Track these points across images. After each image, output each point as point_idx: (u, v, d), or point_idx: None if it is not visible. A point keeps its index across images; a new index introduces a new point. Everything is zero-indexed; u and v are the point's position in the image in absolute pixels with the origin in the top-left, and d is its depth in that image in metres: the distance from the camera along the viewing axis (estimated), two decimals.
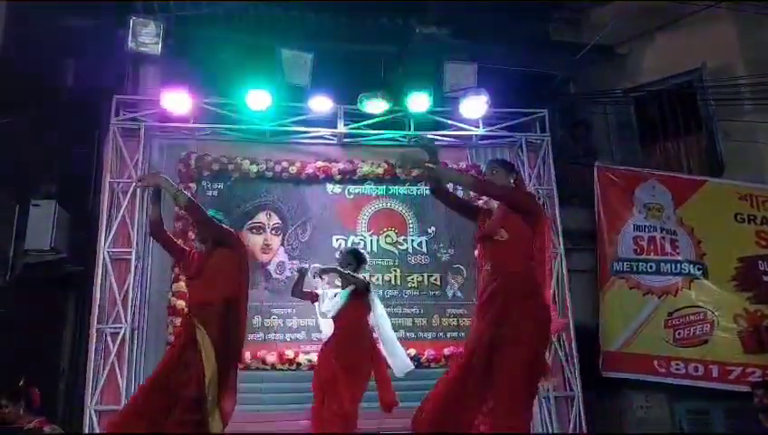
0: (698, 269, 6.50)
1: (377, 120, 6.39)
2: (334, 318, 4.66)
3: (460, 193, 5.32)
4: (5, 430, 4.62)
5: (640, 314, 6.46)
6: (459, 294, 6.17)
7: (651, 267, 6.56)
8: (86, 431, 5.26)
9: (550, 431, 5.93)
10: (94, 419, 5.31)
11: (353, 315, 4.64)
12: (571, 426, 5.94)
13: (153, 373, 3.84)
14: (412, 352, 5.82)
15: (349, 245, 6.23)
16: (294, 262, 6.09)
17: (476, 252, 3.82)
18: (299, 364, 5.73)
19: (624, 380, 6.49)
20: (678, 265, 6.54)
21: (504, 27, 6.97)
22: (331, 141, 6.51)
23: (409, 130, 6.52)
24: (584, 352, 6.20)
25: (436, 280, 6.22)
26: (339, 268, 4.73)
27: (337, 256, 5.03)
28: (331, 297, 4.75)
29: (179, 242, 5.75)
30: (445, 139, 6.62)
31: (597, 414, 6.34)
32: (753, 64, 6.91)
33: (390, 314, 5.92)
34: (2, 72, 6.27)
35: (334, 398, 4.42)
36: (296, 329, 5.86)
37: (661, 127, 7.54)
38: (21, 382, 4.76)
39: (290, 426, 5.50)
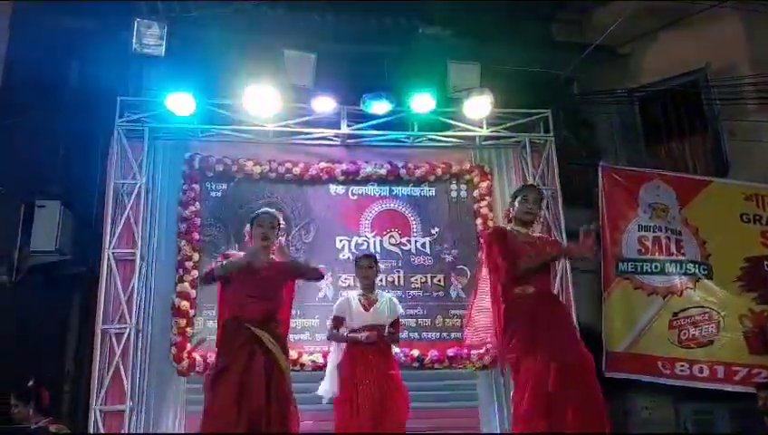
0: (703, 269, 6.47)
1: (380, 120, 6.38)
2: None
3: None
4: (13, 430, 4.65)
5: (645, 315, 6.44)
6: (463, 294, 6.15)
7: (656, 268, 6.54)
8: (91, 431, 5.29)
9: None
10: (99, 419, 5.33)
11: None
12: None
13: None
14: (416, 352, 5.84)
15: (352, 246, 6.24)
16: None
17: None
18: (302, 365, 5.73)
19: (629, 381, 6.46)
20: (683, 265, 6.51)
21: (507, 27, 6.97)
22: (335, 142, 6.51)
23: (413, 130, 6.52)
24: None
25: (439, 281, 6.22)
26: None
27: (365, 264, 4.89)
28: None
29: (184, 244, 5.84)
30: (448, 139, 6.62)
31: None
32: (758, 64, 6.89)
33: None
34: (7, 73, 6.31)
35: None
36: (300, 330, 5.85)
37: (665, 127, 7.52)
38: (31, 383, 4.80)
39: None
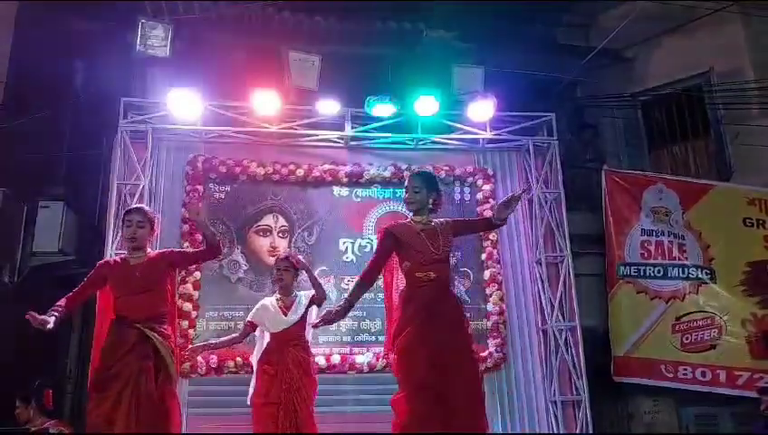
0: (706, 274, 6.48)
1: (384, 123, 6.39)
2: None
3: None
4: (15, 431, 4.64)
5: (648, 319, 6.45)
6: (466, 297, 6.14)
7: (659, 272, 6.54)
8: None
9: None
10: None
11: None
12: (578, 431, 5.92)
13: None
14: None
15: (355, 248, 6.24)
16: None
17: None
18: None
19: (631, 385, 6.46)
20: (686, 269, 6.52)
21: (511, 31, 6.96)
22: (339, 144, 6.51)
23: (417, 133, 6.52)
24: (591, 357, 6.18)
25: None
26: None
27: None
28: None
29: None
30: (452, 142, 6.63)
31: (604, 419, 6.33)
32: (762, 68, 6.90)
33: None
34: (12, 74, 6.31)
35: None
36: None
37: (669, 131, 7.52)
38: (36, 384, 4.79)
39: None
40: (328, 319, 3.56)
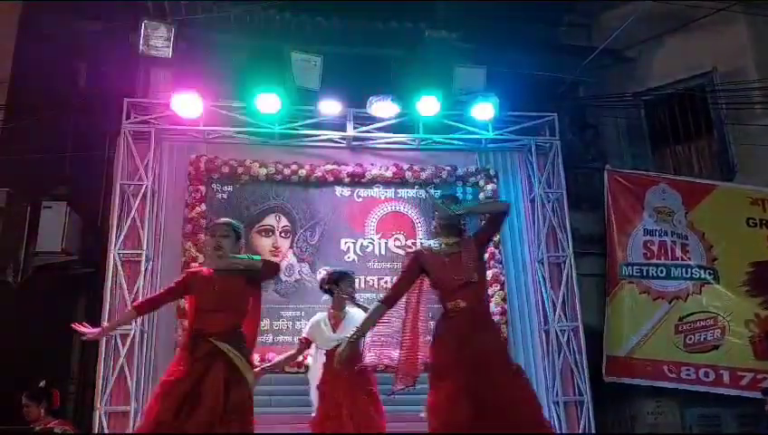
0: (709, 274, 6.46)
1: (386, 123, 6.40)
2: None
3: None
4: (19, 430, 4.65)
5: (651, 319, 6.43)
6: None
7: (662, 272, 6.53)
8: (96, 432, 5.29)
9: None
10: (104, 420, 5.36)
11: None
12: (581, 431, 5.91)
13: None
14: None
15: (357, 248, 6.24)
16: (303, 265, 6.12)
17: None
18: (307, 367, 5.71)
19: (635, 386, 6.44)
20: (689, 269, 6.50)
21: (513, 31, 6.96)
22: (341, 144, 6.52)
23: (419, 133, 6.53)
24: (595, 357, 6.17)
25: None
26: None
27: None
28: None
29: (189, 245, 5.84)
30: (454, 142, 6.62)
31: (607, 420, 6.31)
32: (765, 68, 6.88)
33: (399, 317, 5.94)
34: (15, 74, 6.34)
35: None
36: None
37: (672, 131, 7.50)
38: (42, 383, 4.80)
39: (298, 428, 5.50)
40: (341, 357, 3.58)
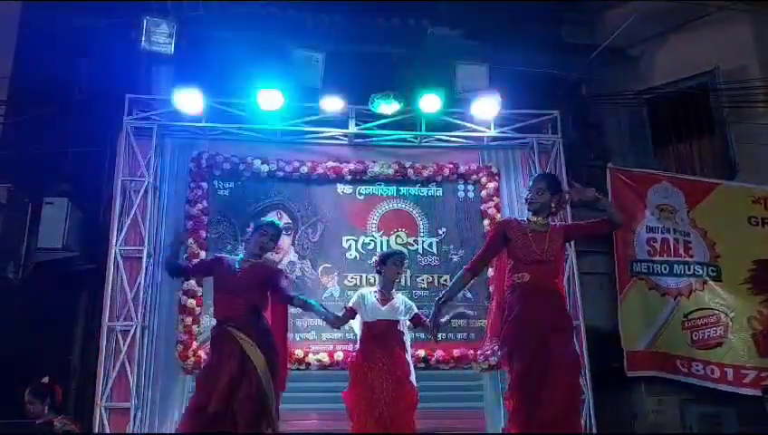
0: (712, 271, 6.46)
1: (388, 120, 6.38)
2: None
3: None
4: (20, 425, 4.65)
5: (661, 315, 6.45)
6: (469, 295, 6.11)
7: (665, 269, 6.53)
8: (96, 428, 5.29)
9: None
10: (104, 416, 5.35)
11: None
12: (582, 429, 5.89)
13: None
14: (421, 353, 5.82)
15: (359, 245, 6.23)
16: (304, 262, 6.11)
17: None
18: (308, 364, 5.73)
19: (637, 383, 6.44)
20: (691, 267, 6.50)
21: (516, 28, 6.95)
22: (342, 142, 6.51)
23: (421, 130, 6.52)
24: (596, 355, 6.15)
25: (446, 281, 6.17)
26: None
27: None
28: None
29: (191, 241, 5.84)
30: (456, 140, 6.62)
31: (608, 417, 6.29)
32: None
33: None
34: (16, 70, 6.34)
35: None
36: (306, 329, 5.86)
37: (674, 129, 7.49)
38: (45, 379, 4.80)
39: (299, 425, 5.51)
40: (437, 322, 3.92)
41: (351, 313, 4.80)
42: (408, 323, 4.91)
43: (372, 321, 4.71)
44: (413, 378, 4.74)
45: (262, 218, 5.08)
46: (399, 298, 4.91)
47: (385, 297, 4.80)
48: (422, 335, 5.93)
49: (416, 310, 4.94)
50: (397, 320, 4.78)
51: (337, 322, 4.54)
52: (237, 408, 3.76)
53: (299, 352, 5.74)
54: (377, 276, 5.03)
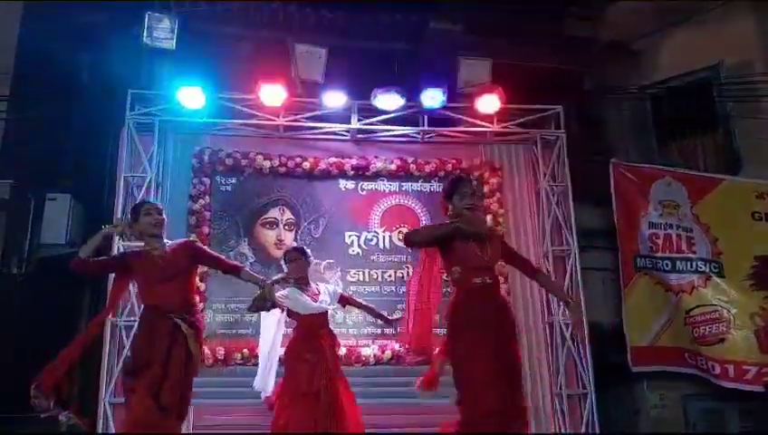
0: (714, 267, 6.44)
1: (390, 115, 6.38)
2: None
3: None
4: (24, 419, 4.66)
5: (666, 309, 6.44)
6: None
7: (667, 265, 6.51)
8: (100, 423, 5.31)
9: (562, 431, 5.90)
10: (108, 411, 5.37)
11: None
12: (584, 424, 5.91)
13: None
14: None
15: (361, 241, 6.24)
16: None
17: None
18: None
19: (639, 378, 6.44)
20: (693, 263, 6.47)
21: (518, 23, 6.92)
22: (345, 137, 6.51)
23: (423, 126, 6.51)
24: (598, 351, 6.16)
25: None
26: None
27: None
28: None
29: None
30: (458, 135, 6.60)
31: (610, 413, 6.30)
32: None
33: (403, 311, 5.96)
34: (18, 66, 6.33)
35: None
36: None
37: (677, 124, 7.44)
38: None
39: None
40: None
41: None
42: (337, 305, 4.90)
43: (306, 314, 4.68)
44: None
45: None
46: (325, 287, 4.88)
47: (312, 292, 4.77)
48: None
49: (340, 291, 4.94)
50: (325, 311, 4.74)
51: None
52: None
53: None
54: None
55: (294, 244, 6.14)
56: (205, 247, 4.38)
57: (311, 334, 4.60)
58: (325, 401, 4.39)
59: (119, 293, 4.32)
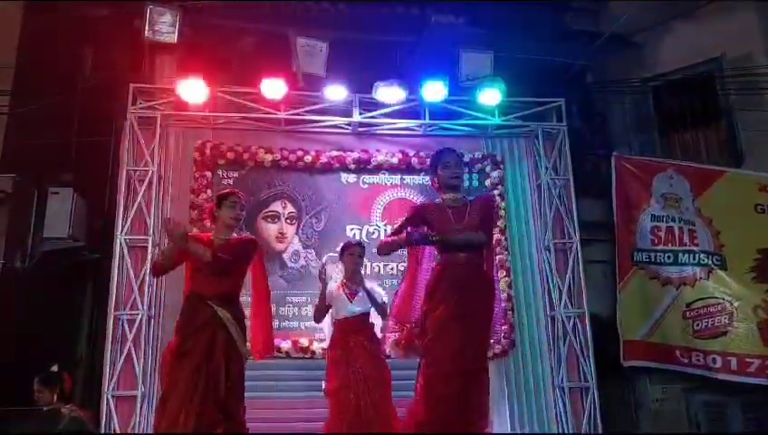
0: (716, 260, 6.44)
1: (392, 109, 6.36)
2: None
3: None
4: (27, 411, 4.68)
5: (661, 305, 6.43)
6: None
7: (669, 258, 6.51)
8: (103, 416, 5.33)
9: (564, 423, 5.91)
10: (111, 404, 5.39)
11: None
12: (586, 418, 5.92)
13: None
14: None
15: (363, 235, 6.24)
16: (309, 251, 6.12)
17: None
18: (313, 352, 5.75)
19: (641, 372, 6.45)
20: (696, 255, 6.48)
21: (520, 16, 6.90)
22: (346, 131, 6.50)
23: (425, 119, 6.50)
24: (599, 344, 6.16)
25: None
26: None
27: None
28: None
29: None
30: (460, 128, 6.60)
31: (612, 406, 6.31)
32: None
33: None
34: (20, 60, 6.33)
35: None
36: (311, 317, 5.84)
37: (680, 117, 7.43)
38: (54, 368, 4.83)
39: (304, 413, 5.54)
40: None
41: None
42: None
43: (339, 319, 4.74)
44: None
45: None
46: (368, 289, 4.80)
47: (352, 290, 4.78)
48: None
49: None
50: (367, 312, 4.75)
51: None
52: None
53: (304, 341, 5.80)
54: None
55: (296, 237, 6.17)
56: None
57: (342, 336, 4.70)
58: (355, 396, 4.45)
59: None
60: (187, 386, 3.59)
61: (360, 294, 4.70)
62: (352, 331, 4.66)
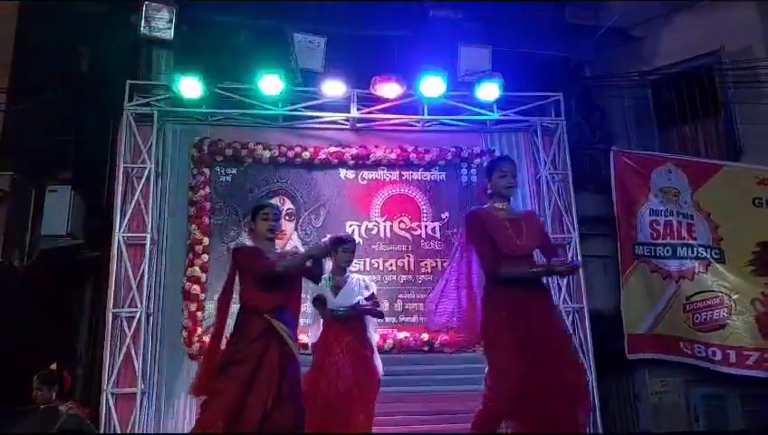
0: (715, 254, 6.44)
1: (390, 104, 6.35)
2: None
3: None
4: (26, 410, 4.69)
5: (663, 297, 6.43)
6: None
7: (668, 252, 6.51)
8: (103, 414, 5.33)
9: None
10: (111, 401, 5.38)
11: None
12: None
13: None
14: (425, 336, 5.84)
15: (362, 231, 6.23)
16: (308, 247, 6.11)
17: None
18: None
19: (640, 365, 6.45)
20: (695, 249, 6.47)
21: (519, 10, 6.88)
22: (345, 126, 6.48)
23: (423, 114, 6.48)
24: (599, 338, 6.17)
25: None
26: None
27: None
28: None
29: (193, 228, 5.85)
30: (459, 123, 6.58)
31: (611, 400, 6.32)
32: None
33: (404, 300, 5.96)
34: (17, 58, 6.31)
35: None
36: (309, 314, 5.81)
37: (678, 111, 7.43)
38: (53, 366, 4.83)
39: None
40: None
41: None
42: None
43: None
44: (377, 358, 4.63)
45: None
46: (357, 281, 4.69)
47: (339, 284, 4.62)
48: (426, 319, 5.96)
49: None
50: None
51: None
52: None
53: (303, 337, 5.72)
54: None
55: (295, 234, 6.16)
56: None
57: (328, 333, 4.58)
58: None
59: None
60: (235, 392, 3.53)
61: (344, 288, 4.60)
62: (340, 330, 4.52)
